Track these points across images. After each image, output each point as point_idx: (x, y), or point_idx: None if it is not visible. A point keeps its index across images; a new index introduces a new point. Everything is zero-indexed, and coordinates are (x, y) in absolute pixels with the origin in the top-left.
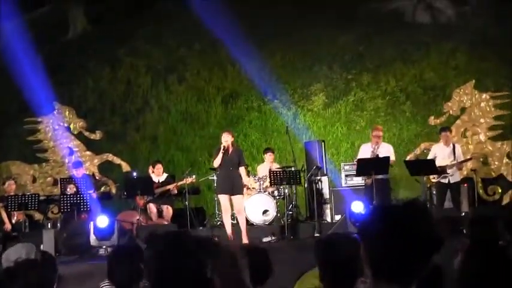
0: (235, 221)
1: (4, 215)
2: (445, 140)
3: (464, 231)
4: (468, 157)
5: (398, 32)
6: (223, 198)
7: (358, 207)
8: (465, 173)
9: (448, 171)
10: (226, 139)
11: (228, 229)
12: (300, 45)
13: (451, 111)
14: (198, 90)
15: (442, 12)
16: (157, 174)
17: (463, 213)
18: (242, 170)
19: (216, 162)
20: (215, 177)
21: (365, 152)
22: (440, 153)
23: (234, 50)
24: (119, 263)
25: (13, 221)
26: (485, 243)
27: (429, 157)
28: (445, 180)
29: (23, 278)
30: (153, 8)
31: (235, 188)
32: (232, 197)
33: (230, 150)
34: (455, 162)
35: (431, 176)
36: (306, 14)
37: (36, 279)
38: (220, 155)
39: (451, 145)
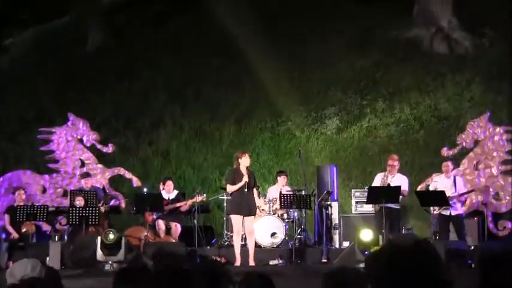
0: (243, 242)
1: (9, 226)
2: (445, 171)
3: (473, 265)
4: (470, 189)
5: (415, 61)
6: (237, 219)
7: (367, 235)
8: (467, 205)
9: (450, 203)
10: (248, 163)
11: (237, 251)
12: (316, 68)
13: (464, 143)
14: (212, 107)
15: (459, 43)
16: (168, 191)
17: (472, 247)
18: (255, 192)
19: (232, 189)
20: (225, 197)
21: (377, 181)
22: (441, 184)
23: (251, 69)
24: (124, 284)
25: (22, 230)
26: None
27: (431, 188)
28: (447, 212)
29: None
30: (171, 22)
31: (251, 210)
32: (245, 217)
33: (247, 172)
34: (455, 194)
35: (431, 208)
36: (323, 37)
37: None
38: (239, 185)
39: (452, 177)
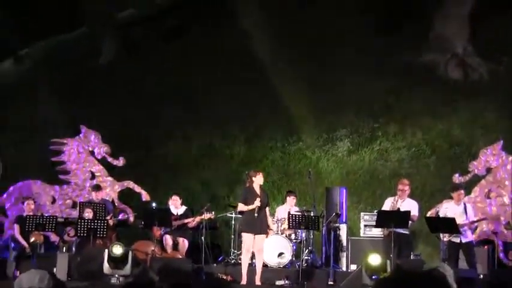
0: (250, 261)
1: (18, 235)
2: (457, 199)
3: None
4: (482, 217)
5: (429, 86)
6: (248, 238)
7: (375, 259)
8: (477, 233)
9: (461, 230)
10: (262, 181)
11: (244, 269)
12: (328, 89)
13: (476, 171)
14: (223, 125)
15: (474, 70)
16: (175, 206)
17: (481, 276)
18: (267, 211)
19: (243, 209)
20: (233, 215)
21: (387, 205)
22: (451, 211)
23: (264, 88)
24: None
25: (30, 240)
26: None
27: (440, 214)
28: (457, 240)
29: None
30: (184, 38)
31: (262, 228)
32: (256, 236)
33: (260, 191)
34: (466, 221)
35: (441, 235)
36: (337, 59)
37: None
38: (251, 207)
39: (463, 204)
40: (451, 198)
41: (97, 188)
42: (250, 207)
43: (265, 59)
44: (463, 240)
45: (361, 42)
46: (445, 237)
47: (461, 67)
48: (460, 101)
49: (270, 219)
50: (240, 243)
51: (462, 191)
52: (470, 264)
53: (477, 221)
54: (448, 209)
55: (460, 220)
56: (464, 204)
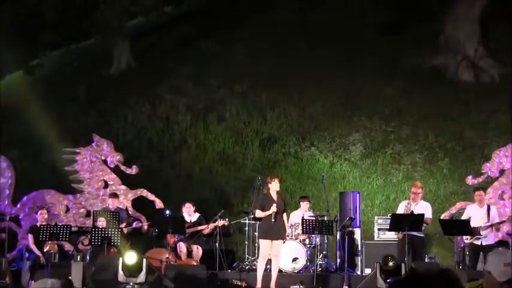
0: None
1: (32, 245)
2: (478, 200)
3: None
4: (503, 219)
5: (440, 89)
6: (265, 244)
7: (388, 263)
8: (500, 235)
9: (482, 232)
10: (278, 187)
11: (260, 275)
12: (341, 94)
13: (489, 172)
14: (236, 132)
15: (485, 72)
16: (189, 214)
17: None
18: (284, 216)
19: (259, 215)
20: (247, 221)
21: (401, 208)
22: (474, 214)
23: (275, 94)
24: None
25: (45, 250)
26: None
27: (463, 217)
28: (478, 242)
29: None
30: (196, 48)
31: (280, 234)
32: (274, 241)
33: (277, 197)
34: (489, 224)
35: (464, 237)
36: (349, 64)
37: None
38: (267, 213)
39: (486, 206)
40: (465, 200)
41: (114, 196)
42: (267, 213)
43: (275, 68)
44: (484, 243)
45: (372, 45)
46: (467, 240)
47: (472, 69)
48: (471, 103)
49: (287, 225)
50: (255, 249)
51: (479, 192)
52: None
53: (499, 223)
54: (471, 211)
55: (482, 222)
56: (488, 206)
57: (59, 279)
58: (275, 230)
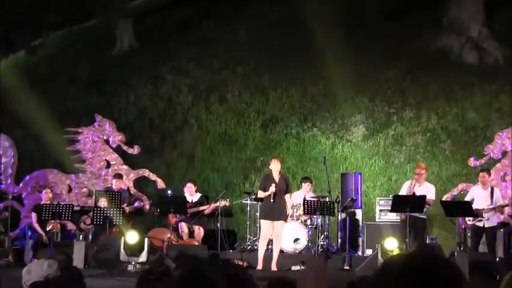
0: (266, 247)
1: (35, 224)
2: (482, 182)
3: (498, 278)
4: (507, 202)
5: (444, 70)
6: (266, 224)
7: (391, 244)
8: (502, 217)
9: (484, 215)
10: (278, 167)
11: (261, 255)
12: (343, 75)
13: (492, 154)
14: (238, 112)
15: (489, 53)
16: (190, 194)
17: (498, 259)
18: (287, 197)
19: (260, 196)
20: (249, 201)
21: (404, 189)
22: (478, 196)
23: (277, 75)
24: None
25: (47, 228)
26: None
27: (466, 199)
28: (480, 224)
29: None
30: (198, 28)
31: (281, 215)
32: (275, 222)
33: (278, 177)
34: (492, 206)
35: (466, 218)
36: (352, 45)
37: None
38: (266, 194)
39: (489, 188)
40: (467, 182)
41: (118, 176)
42: (266, 193)
43: (277, 49)
44: (487, 225)
45: (376, 26)
46: (469, 221)
47: (476, 51)
48: (475, 84)
49: (289, 206)
50: (256, 229)
51: (483, 173)
52: (490, 248)
53: (504, 206)
54: (474, 193)
55: (485, 204)
56: (492, 188)
57: (60, 254)
58: (275, 211)
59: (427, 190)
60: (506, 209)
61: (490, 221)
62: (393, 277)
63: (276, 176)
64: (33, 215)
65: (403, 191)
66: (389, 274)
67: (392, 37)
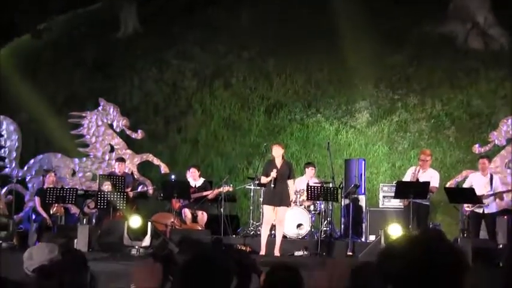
0: (269, 232)
1: (39, 208)
2: (482, 168)
3: (501, 264)
4: (508, 188)
5: (449, 57)
6: (268, 210)
7: (395, 230)
8: (503, 204)
9: (484, 201)
10: (279, 153)
11: (263, 241)
12: (348, 61)
13: (496, 141)
14: (242, 97)
15: (494, 40)
16: (193, 179)
17: (500, 245)
18: (290, 183)
19: (262, 181)
20: (252, 187)
21: (408, 175)
22: (477, 182)
23: (281, 61)
24: None
25: (51, 212)
26: None
27: (465, 185)
28: (480, 210)
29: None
30: (203, 13)
31: (282, 200)
32: (277, 207)
33: (281, 163)
34: (491, 192)
35: (465, 205)
36: (356, 31)
37: (70, 279)
38: (267, 179)
39: (489, 175)
40: (471, 169)
41: (121, 160)
42: (267, 179)
43: (281, 34)
44: (486, 211)
45: (380, 11)
46: (468, 207)
47: (481, 37)
48: (480, 71)
49: (291, 191)
50: (259, 214)
51: (483, 160)
52: (491, 235)
53: (504, 192)
54: (473, 179)
55: (484, 191)
56: (491, 175)
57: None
58: (277, 196)
59: (431, 176)
60: (509, 195)
61: (489, 207)
62: (397, 261)
63: (278, 162)
64: (37, 199)
65: (407, 177)
66: (392, 258)
67: (397, 23)
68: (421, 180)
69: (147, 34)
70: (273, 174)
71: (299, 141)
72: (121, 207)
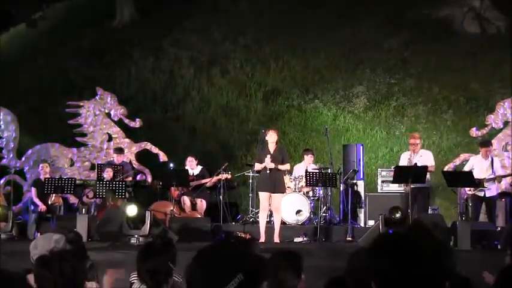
0: (268, 219)
1: (36, 198)
2: (485, 154)
3: (499, 247)
4: (508, 172)
5: (446, 40)
6: (263, 196)
7: (393, 214)
8: (503, 187)
9: (485, 184)
10: (273, 139)
11: (262, 227)
12: (345, 46)
13: (493, 124)
14: (239, 84)
15: (491, 23)
16: (191, 167)
17: (499, 228)
18: (283, 168)
19: (256, 168)
20: (251, 174)
21: (404, 160)
22: (478, 165)
23: (278, 47)
24: (148, 259)
25: (49, 202)
26: None
27: (466, 168)
28: (481, 194)
29: (58, 267)
30: (199, 0)
31: (277, 186)
32: (272, 194)
33: (274, 148)
34: (492, 176)
35: (467, 188)
36: (352, 16)
37: (70, 269)
38: (260, 167)
39: (490, 158)
40: (469, 152)
41: (119, 150)
42: (260, 166)
43: (279, 20)
44: (487, 195)
45: None
46: (470, 191)
47: (478, 21)
48: (477, 54)
49: (286, 178)
50: (258, 201)
51: (491, 148)
52: (491, 218)
53: (504, 176)
54: (474, 162)
55: (486, 174)
56: (492, 158)
57: (68, 231)
58: (270, 183)
59: (427, 158)
60: (509, 179)
61: (490, 190)
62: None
63: (272, 148)
64: (33, 190)
65: (402, 162)
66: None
67: (393, 7)
68: (418, 163)
69: (144, 22)
70: (267, 160)
71: (297, 127)
72: (121, 196)
